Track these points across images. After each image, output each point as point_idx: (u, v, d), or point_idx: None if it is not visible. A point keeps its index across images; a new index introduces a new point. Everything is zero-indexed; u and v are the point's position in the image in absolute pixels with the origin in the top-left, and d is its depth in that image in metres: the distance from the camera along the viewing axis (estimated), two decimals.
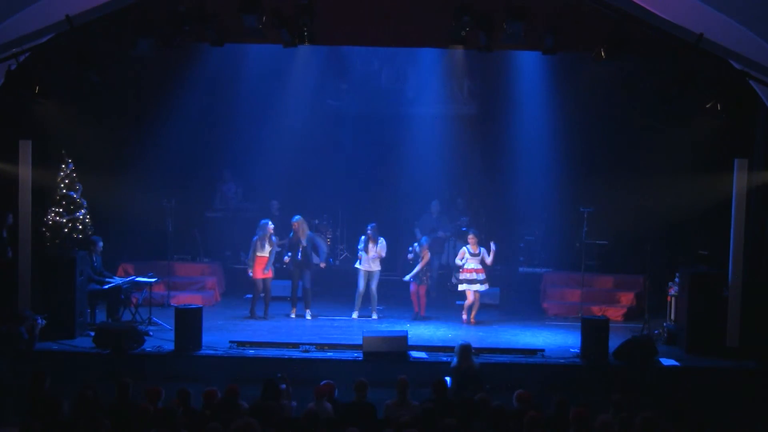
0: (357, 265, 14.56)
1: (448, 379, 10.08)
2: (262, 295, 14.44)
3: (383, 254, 14.45)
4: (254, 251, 14.35)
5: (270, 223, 14.59)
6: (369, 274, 14.46)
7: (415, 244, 14.66)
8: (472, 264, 14.13)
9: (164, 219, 14.67)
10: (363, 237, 14.49)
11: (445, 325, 14.12)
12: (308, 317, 14.43)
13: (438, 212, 16.68)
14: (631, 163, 15.71)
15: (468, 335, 13.02)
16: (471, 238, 14.28)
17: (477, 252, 14.14)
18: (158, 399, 8.53)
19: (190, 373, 11.36)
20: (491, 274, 14.70)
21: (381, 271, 14.56)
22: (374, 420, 8.58)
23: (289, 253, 14.51)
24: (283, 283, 15.18)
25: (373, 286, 14.46)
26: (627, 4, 10.95)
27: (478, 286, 14.12)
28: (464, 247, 14.30)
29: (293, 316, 14.46)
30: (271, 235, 14.45)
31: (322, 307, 14.99)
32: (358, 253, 14.59)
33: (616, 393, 8.81)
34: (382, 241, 14.43)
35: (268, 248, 14.37)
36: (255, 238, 14.43)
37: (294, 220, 14.54)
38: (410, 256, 14.59)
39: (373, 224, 14.51)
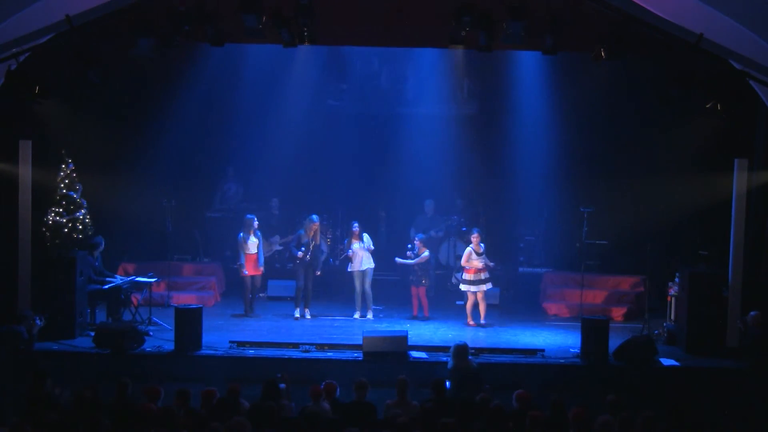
0: (349, 269, 14.53)
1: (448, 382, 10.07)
2: (250, 295, 14.46)
3: (371, 247, 14.41)
4: (242, 249, 14.30)
5: (255, 218, 14.51)
6: (361, 274, 14.42)
7: (413, 244, 14.63)
8: (477, 263, 14.00)
9: (164, 219, 14.66)
10: (345, 240, 14.43)
11: (445, 325, 14.10)
12: (308, 317, 14.43)
13: (433, 211, 16.66)
14: (631, 163, 15.73)
15: (468, 335, 13.03)
16: (475, 237, 14.11)
17: (481, 251, 14.01)
18: (157, 399, 8.54)
19: (190, 373, 11.37)
20: (491, 274, 14.66)
21: (381, 272, 14.51)
22: (374, 420, 8.58)
23: (303, 248, 14.33)
24: (283, 283, 15.12)
25: (367, 285, 14.42)
26: (627, 4, 10.95)
27: (483, 287, 14.00)
28: (469, 248, 14.07)
29: (297, 316, 14.40)
30: (255, 230, 14.37)
31: (322, 307, 14.99)
32: (347, 252, 14.51)
33: (611, 394, 8.80)
34: (366, 236, 14.40)
35: (254, 244, 14.32)
36: (240, 234, 14.39)
37: (315, 220, 14.44)
38: (409, 254, 14.54)
39: (356, 222, 14.51)
